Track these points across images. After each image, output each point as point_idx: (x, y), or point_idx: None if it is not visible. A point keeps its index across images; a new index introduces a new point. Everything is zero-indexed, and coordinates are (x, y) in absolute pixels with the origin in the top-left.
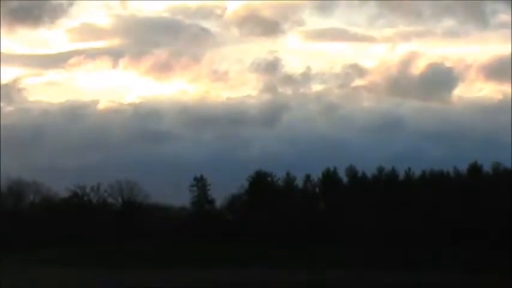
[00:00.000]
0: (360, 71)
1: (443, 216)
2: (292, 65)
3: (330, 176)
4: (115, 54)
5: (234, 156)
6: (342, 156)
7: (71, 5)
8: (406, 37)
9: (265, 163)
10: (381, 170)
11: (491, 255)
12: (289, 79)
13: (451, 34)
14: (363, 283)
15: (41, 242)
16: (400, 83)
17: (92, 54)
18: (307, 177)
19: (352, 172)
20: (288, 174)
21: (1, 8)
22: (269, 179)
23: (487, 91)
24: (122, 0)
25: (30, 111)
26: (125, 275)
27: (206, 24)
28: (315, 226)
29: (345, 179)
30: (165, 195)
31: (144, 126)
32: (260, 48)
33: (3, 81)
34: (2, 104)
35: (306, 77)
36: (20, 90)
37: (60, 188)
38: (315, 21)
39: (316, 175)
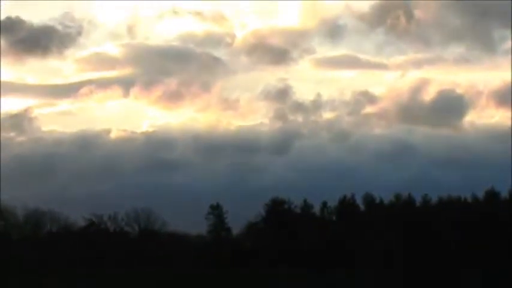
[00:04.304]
0: (370, 98)
1: (461, 241)
2: (303, 93)
3: (346, 203)
4: (126, 84)
5: (246, 184)
6: (355, 183)
7: (80, 34)
8: (416, 64)
9: (278, 191)
10: (398, 196)
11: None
12: (300, 107)
13: (461, 61)
14: None
15: (56, 267)
16: (411, 110)
17: (103, 84)
18: (324, 205)
19: (369, 199)
20: (305, 201)
21: (11, 39)
22: (286, 206)
23: (498, 117)
24: (131, 30)
25: (43, 141)
26: None
27: (216, 52)
28: (333, 252)
29: (361, 206)
30: (180, 224)
31: (157, 154)
32: (270, 76)
33: (16, 112)
34: (13, 134)
35: (317, 104)
36: (32, 120)
37: (74, 216)
38: (325, 48)
39: (329, 202)
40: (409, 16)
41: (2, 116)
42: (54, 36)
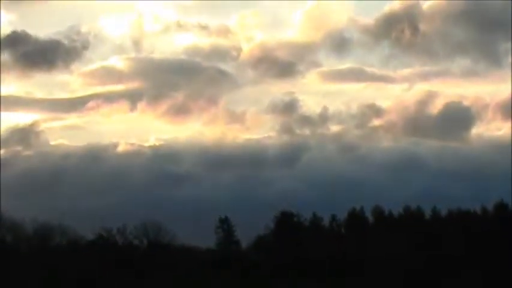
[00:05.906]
0: (377, 111)
1: (473, 253)
2: (310, 106)
3: (355, 216)
4: (133, 97)
5: (254, 197)
6: (363, 196)
7: (86, 48)
8: (423, 76)
9: (286, 204)
10: (406, 209)
11: None
12: (306, 119)
13: (468, 73)
14: None
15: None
16: (418, 123)
17: (109, 98)
18: (333, 217)
19: (378, 212)
20: (314, 214)
21: (18, 53)
22: (295, 219)
23: (505, 130)
24: (137, 43)
25: (51, 154)
26: None
27: (223, 66)
28: (343, 264)
29: (370, 219)
30: (188, 237)
31: (164, 168)
32: (277, 89)
33: (23, 126)
34: (20, 148)
35: (324, 117)
36: (39, 134)
37: (83, 230)
38: (331, 61)
39: (338, 214)
40: (415, 29)
41: (9, 130)
42: (60, 50)
